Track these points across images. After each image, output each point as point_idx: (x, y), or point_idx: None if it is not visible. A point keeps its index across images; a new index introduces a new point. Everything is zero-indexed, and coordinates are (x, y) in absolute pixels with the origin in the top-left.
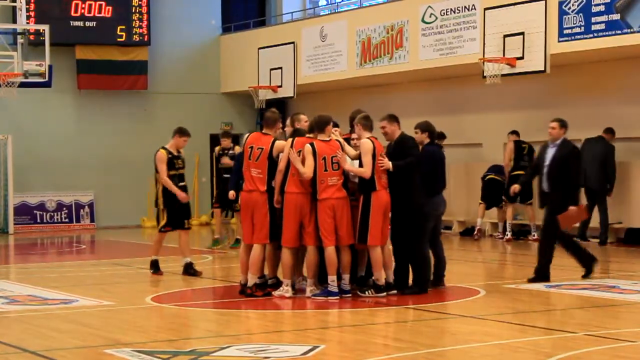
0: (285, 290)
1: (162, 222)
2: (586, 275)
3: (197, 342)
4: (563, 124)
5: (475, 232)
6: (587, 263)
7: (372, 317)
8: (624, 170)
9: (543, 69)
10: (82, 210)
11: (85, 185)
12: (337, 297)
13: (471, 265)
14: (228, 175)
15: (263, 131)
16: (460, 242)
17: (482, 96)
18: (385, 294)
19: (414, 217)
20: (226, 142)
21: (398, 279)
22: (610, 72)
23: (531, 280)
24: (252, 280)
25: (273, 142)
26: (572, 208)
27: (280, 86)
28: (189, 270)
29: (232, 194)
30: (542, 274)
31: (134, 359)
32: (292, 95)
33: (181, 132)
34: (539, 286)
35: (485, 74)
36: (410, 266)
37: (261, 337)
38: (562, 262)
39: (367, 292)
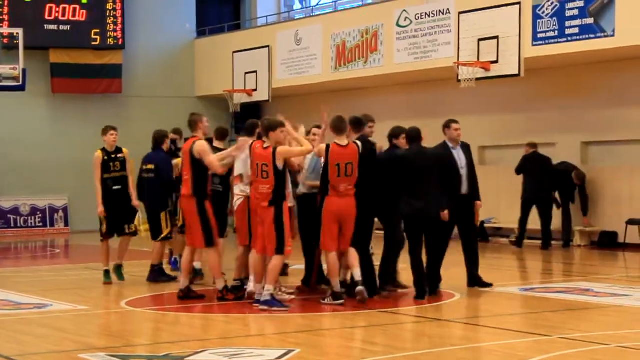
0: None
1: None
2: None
3: (171, 346)
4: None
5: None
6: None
7: (349, 321)
8: (596, 173)
9: (517, 72)
10: (56, 215)
11: (60, 189)
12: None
13: (445, 268)
14: None
15: (191, 135)
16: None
17: (457, 100)
18: (342, 301)
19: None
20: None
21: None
22: (584, 76)
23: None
24: (219, 283)
25: (192, 145)
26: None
27: (255, 90)
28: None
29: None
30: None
31: None
32: (267, 99)
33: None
34: (514, 289)
35: (459, 78)
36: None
37: (236, 341)
38: (536, 266)
39: (326, 300)
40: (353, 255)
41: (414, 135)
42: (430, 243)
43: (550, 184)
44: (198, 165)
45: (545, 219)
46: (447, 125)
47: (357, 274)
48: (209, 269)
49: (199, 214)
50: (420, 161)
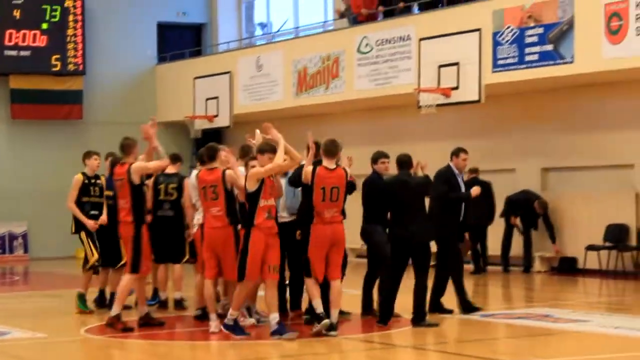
0: (215, 325)
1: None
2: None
3: None
4: None
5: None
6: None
7: (310, 347)
8: (556, 199)
9: (478, 98)
10: (15, 241)
11: (19, 216)
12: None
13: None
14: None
15: (122, 160)
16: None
17: (418, 126)
18: (326, 320)
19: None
20: None
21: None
22: (544, 102)
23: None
24: (115, 310)
25: (129, 169)
26: None
27: (217, 116)
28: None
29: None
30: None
31: None
32: (228, 125)
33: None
34: (475, 316)
35: (420, 104)
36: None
37: None
38: (496, 292)
39: (314, 329)
40: (337, 291)
41: (404, 161)
42: (418, 269)
43: (491, 209)
44: (137, 191)
45: (483, 244)
46: (455, 154)
47: (320, 308)
48: (118, 291)
49: (134, 240)
50: (402, 189)
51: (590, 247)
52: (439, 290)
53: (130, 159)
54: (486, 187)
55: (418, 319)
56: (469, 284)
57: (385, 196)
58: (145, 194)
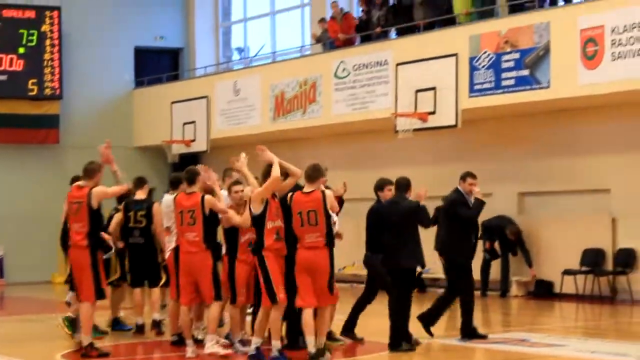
0: (192, 350)
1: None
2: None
3: None
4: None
5: None
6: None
7: None
8: (532, 224)
9: (454, 123)
10: None
11: None
12: None
13: (386, 319)
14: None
15: (80, 182)
16: (379, 295)
17: (395, 151)
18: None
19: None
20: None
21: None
22: (521, 127)
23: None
24: (85, 340)
25: (89, 193)
26: None
27: (194, 140)
28: None
29: None
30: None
31: None
32: (205, 149)
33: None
34: (451, 340)
35: (397, 129)
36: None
37: None
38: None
39: None
40: (324, 319)
41: (400, 184)
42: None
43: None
44: (95, 215)
45: None
46: (462, 178)
47: (311, 343)
48: (81, 321)
49: (92, 265)
50: (392, 211)
51: (567, 272)
52: (467, 314)
53: (91, 184)
54: None
55: (394, 345)
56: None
57: (379, 220)
58: (103, 218)
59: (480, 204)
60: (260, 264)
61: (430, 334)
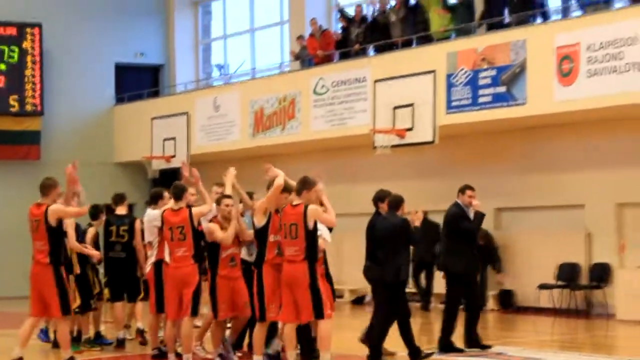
0: None
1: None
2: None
3: None
4: None
5: (367, 301)
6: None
7: None
8: (509, 239)
9: (432, 139)
10: None
11: None
12: None
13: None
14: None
15: (39, 201)
16: (352, 310)
17: (373, 167)
18: None
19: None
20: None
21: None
22: (497, 143)
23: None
24: (65, 354)
25: (46, 211)
26: None
27: (174, 156)
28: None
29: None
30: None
31: None
32: None
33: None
34: (433, 356)
35: (375, 145)
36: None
37: None
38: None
39: None
40: (323, 333)
41: (393, 201)
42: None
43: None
44: (55, 233)
45: (429, 280)
46: (461, 191)
47: (292, 357)
48: (59, 339)
49: (56, 282)
50: (380, 229)
51: (543, 286)
52: (472, 323)
53: (48, 201)
54: (433, 228)
55: (373, 358)
56: (417, 322)
57: (374, 233)
58: (67, 235)
59: (481, 216)
60: (258, 278)
61: (468, 347)
